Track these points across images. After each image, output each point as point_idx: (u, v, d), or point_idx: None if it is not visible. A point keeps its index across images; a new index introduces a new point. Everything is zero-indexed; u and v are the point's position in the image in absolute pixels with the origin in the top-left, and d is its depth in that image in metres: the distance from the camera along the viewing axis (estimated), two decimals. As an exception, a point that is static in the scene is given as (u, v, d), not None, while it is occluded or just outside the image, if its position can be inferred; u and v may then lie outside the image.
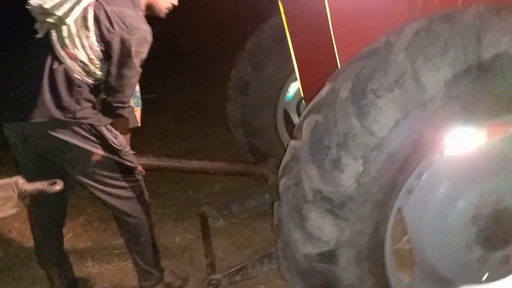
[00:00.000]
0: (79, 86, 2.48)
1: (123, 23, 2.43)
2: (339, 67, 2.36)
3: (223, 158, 4.29)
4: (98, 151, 2.54)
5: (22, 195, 2.31)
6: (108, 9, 2.44)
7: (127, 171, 2.68)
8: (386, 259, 1.99)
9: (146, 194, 2.80)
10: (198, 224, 3.70)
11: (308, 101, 3.40)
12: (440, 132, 1.88)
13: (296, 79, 3.78)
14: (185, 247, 3.57)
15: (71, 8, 2.40)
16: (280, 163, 3.22)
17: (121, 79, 2.50)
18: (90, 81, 2.51)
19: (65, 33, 2.42)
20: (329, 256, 1.89)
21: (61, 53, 2.44)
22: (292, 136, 2.76)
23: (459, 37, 1.78)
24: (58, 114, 2.45)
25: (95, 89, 2.56)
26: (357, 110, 1.79)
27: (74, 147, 2.50)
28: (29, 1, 2.44)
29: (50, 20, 2.42)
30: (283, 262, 2.04)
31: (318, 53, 3.25)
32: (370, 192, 1.82)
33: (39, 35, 2.50)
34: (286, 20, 3.23)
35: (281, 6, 3.18)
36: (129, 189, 2.70)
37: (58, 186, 2.34)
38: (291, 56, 3.49)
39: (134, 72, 2.53)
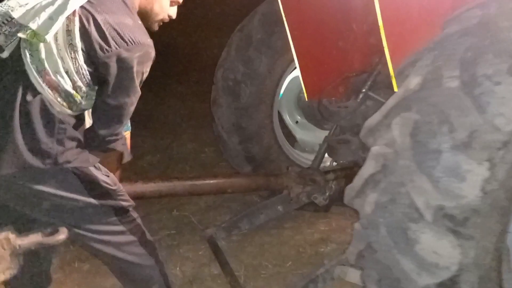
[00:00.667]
0: (62, 123, 1.86)
1: (121, 37, 1.83)
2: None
3: (218, 174, 3.78)
4: (88, 199, 1.96)
5: (16, 253, 1.78)
6: (100, 18, 1.82)
7: (122, 212, 2.10)
8: (504, 276, 1.67)
9: (147, 233, 2.24)
10: (196, 249, 3.30)
11: (311, 95, 3.05)
12: None
13: (290, 73, 3.43)
14: (192, 278, 3.07)
15: (50, 19, 1.75)
16: (302, 171, 2.88)
17: (119, 108, 1.93)
18: (74, 113, 1.91)
19: (43, 53, 1.78)
20: (450, 285, 1.53)
21: (38, 80, 1.80)
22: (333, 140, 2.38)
23: None
24: (35, 162, 1.82)
25: (79, 122, 1.97)
26: (473, 101, 1.45)
27: (58, 199, 1.90)
28: None
29: (21, 35, 1.77)
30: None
31: (320, 43, 2.93)
32: (498, 200, 1.48)
33: (4, 55, 1.83)
34: (283, 11, 2.85)
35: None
36: (128, 233, 2.12)
37: (62, 235, 1.80)
38: (285, 48, 3.12)
39: (134, 98, 1.96)
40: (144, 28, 1.98)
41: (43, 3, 1.80)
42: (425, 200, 1.46)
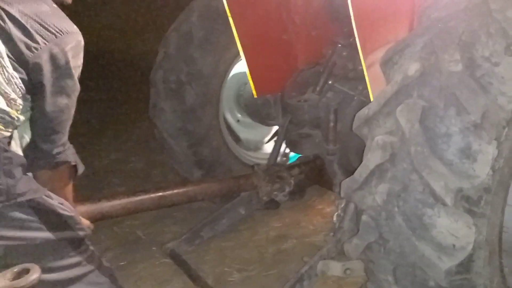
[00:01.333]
0: (5, 150, 1.56)
1: (46, 29, 1.57)
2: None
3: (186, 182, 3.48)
4: (46, 233, 1.68)
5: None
6: (13, 11, 1.53)
7: (79, 242, 1.84)
8: (504, 247, 1.75)
9: (103, 259, 2.00)
10: (151, 265, 3.09)
11: (260, 91, 2.99)
12: None
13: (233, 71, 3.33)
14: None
15: None
16: (268, 169, 2.80)
17: (60, 112, 1.67)
18: (10, 133, 1.61)
19: None
20: (466, 264, 1.56)
21: None
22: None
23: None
24: None
25: (19, 143, 1.68)
26: (476, 83, 1.49)
27: (12, 241, 1.61)
28: None
29: None
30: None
31: (267, 39, 2.88)
32: (503, 177, 1.54)
33: None
34: (228, 6, 2.74)
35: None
36: (85, 263, 1.85)
37: (35, 274, 1.53)
38: (228, 44, 3.02)
39: (74, 97, 1.71)
40: (62, 11, 1.71)
41: None
42: (444, 184, 1.47)
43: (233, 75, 3.41)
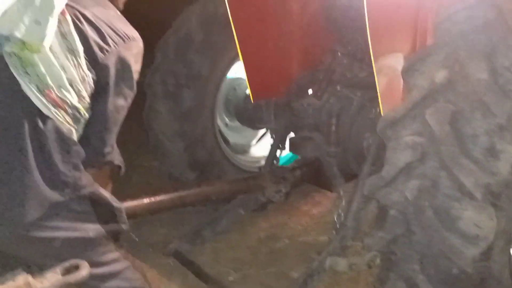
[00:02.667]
0: (75, 144, 1.60)
1: (116, 33, 1.63)
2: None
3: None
4: (97, 226, 1.71)
5: (40, 299, 1.49)
6: (89, 14, 1.59)
7: (119, 236, 1.91)
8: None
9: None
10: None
11: (258, 96, 3.09)
12: None
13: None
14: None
15: (37, 23, 1.42)
16: (272, 171, 2.90)
17: (117, 113, 1.72)
18: (76, 129, 1.65)
19: (41, 67, 1.46)
20: (487, 252, 1.74)
21: (43, 101, 1.49)
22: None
23: None
24: (55, 196, 1.54)
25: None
26: (500, 90, 1.67)
27: (70, 232, 1.64)
28: None
29: (7, 49, 1.42)
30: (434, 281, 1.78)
31: (267, 44, 2.99)
32: (519, 173, 1.74)
33: None
34: (230, 12, 2.83)
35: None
36: (121, 258, 1.88)
37: (84, 269, 1.57)
38: (225, 49, 3.11)
39: (130, 100, 1.77)
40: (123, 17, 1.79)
41: (18, 4, 1.48)
42: (474, 180, 1.63)
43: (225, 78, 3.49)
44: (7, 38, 1.41)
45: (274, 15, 2.97)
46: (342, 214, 2.64)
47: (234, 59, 3.19)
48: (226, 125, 3.76)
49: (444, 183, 1.70)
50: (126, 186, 4.24)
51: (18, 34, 1.41)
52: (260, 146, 3.86)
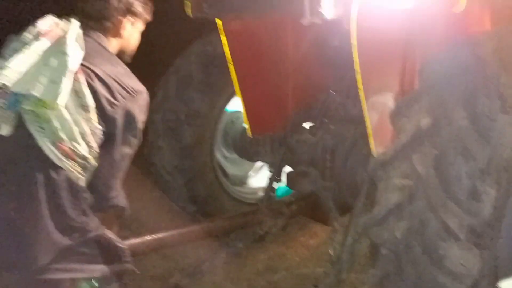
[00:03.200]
0: (84, 191, 1.75)
1: (124, 88, 1.80)
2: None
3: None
4: (102, 267, 1.85)
5: None
6: (100, 72, 1.76)
7: (123, 275, 2.02)
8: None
9: None
10: None
11: (255, 131, 3.21)
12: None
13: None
14: None
15: (53, 83, 1.59)
16: (270, 205, 3.00)
17: (123, 161, 1.88)
18: (85, 177, 1.79)
19: (55, 122, 1.62)
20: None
21: (56, 153, 1.64)
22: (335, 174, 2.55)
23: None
24: (65, 241, 1.68)
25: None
26: (480, 135, 1.79)
27: (78, 273, 1.79)
28: None
29: (26, 106, 1.58)
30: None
31: (264, 82, 3.13)
32: (501, 214, 1.84)
33: (3, 131, 1.61)
34: (230, 50, 2.97)
35: (223, 38, 2.92)
36: None
37: None
38: (223, 86, 3.25)
39: (135, 148, 1.93)
40: (131, 71, 1.95)
41: (37, 66, 1.63)
42: (458, 222, 1.74)
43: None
44: (26, 97, 1.54)
45: (271, 54, 3.11)
46: (338, 248, 2.73)
47: (232, 95, 3.33)
48: (225, 157, 3.88)
49: (431, 224, 1.80)
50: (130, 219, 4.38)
51: (36, 93, 1.55)
52: (258, 178, 3.96)
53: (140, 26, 2.05)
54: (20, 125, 1.60)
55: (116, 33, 1.95)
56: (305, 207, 2.99)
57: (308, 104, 3.13)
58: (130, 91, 1.79)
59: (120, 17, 1.94)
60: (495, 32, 2.08)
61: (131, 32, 2.01)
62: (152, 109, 3.31)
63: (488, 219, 1.78)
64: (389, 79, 2.36)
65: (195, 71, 3.24)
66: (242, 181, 3.94)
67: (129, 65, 2.00)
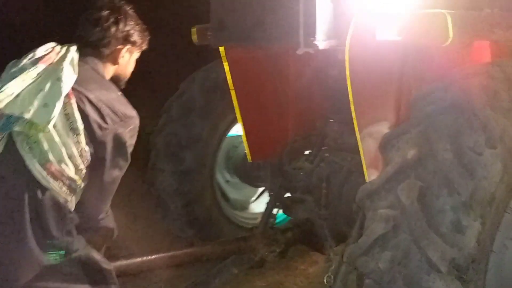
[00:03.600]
0: (70, 212, 1.80)
1: (114, 113, 1.87)
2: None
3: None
4: (87, 287, 1.87)
5: None
6: (92, 97, 1.83)
7: None
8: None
9: None
10: None
11: (255, 157, 3.25)
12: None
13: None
14: None
15: (45, 106, 1.66)
16: (264, 231, 3.01)
17: (112, 184, 1.94)
18: (72, 198, 1.84)
19: (45, 144, 1.68)
20: (458, 322, 1.81)
21: (43, 174, 1.70)
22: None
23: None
24: (47, 260, 1.73)
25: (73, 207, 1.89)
26: (465, 169, 1.80)
27: None
28: None
29: (17, 128, 1.64)
30: None
31: (264, 109, 3.18)
32: (486, 248, 1.83)
33: None
34: (231, 77, 3.04)
35: (225, 65, 2.99)
36: None
37: None
38: (224, 113, 3.31)
39: (124, 170, 1.99)
40: (124, 98, 2.02)
41: (30, 88, 1.71)
42: (440, 254, 1.74)
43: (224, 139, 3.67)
44: (17, 119, 1.60)
45: (272, 81, 3.17)
46: (332, 277, 2.72)
47: (234, 121, 3.39)
48: (227, 181, 3.91)
49: (415, 256, 1.80)
50: (129, 237, 4.42)
51: (27, 116, 1.62)
52: (260, 203, 3.98)
53: (136, 54, 2.13)
54: (10, 145, 1.67)
55: (113, 60, 2.03)
56: (300, 234, 2.99)
57: (307, 131, 3.16)
58: (120, 115, 1.86)
59: (118, 46, 2.02)
60: (485, 67, 2.11)
61: (128, 60, 2.09)
62: (156, 131, 3.43)
63: (472, 252, 1.77)
64: (383, 110, 2.39)
65: (197, 97, 3.31)
66: (243, 206, 3.96)
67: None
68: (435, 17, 1.94)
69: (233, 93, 3.06)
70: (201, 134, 3.30)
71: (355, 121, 2.36)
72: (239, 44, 2.82)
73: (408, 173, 1.89)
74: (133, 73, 2.23)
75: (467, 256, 1.76)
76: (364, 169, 2.38)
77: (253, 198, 4.01)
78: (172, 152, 3.30)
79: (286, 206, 3.09)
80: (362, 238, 1.96)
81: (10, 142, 1.67)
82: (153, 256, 2.31)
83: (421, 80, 2.18)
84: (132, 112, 1.94)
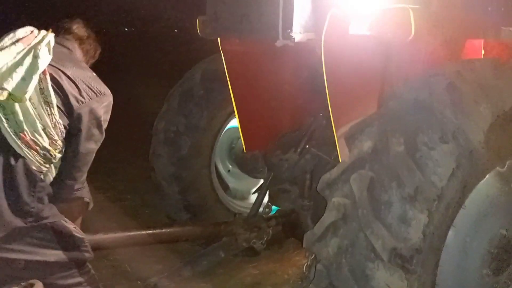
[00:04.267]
0: (41, 181, 1.96)
1: (90, 89, 2.03)
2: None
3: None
4: (58, 252, 2.03)
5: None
6: (69, 73, 2.00)
7: (82, 264, 2.18)
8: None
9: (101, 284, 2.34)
10: None
11: (250, 147, 3.34)
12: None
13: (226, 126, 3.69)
14: None
15: (23, 80, 1.83)
16: (247, 218, 3.11)
17: (88, 155, 2.09)
18: (48, 168, 2.01)
19: (20, 115, 1.86)
20: (400, 313, 1.85)
21: (17, 143, 1.87)
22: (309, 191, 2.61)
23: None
24: (18, 222, 1.88)
25: (47, 177, 2.07)
26: (415, 163, 1.83)
27: (33, 255, 1.97)
28: None
29: None
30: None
31: (259, 102, 3.26)
32: (434, 242, 1.86)
33: None
34: (227, 71, 3.14)
35: (223, 57, 3.10)
36: (85, 284, 2.19)
37: None
38: (223, 103, 3.41)
39: (99, 144, 2.15)
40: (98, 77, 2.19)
41: (9, 64, 1.88)
42: (382, 243, 1.78)
43: (227, 129, 3.79)
44: None
45: (265, 73, 3.25)
46: (310, 265, 2.78)
47: (231, 114, 3.49)
48: (229, 171, 4.03)
49: (361, 244, 1.85)
50: (136, 220, 4.61)
51: (8, 87, 1.79)
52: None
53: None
54: None
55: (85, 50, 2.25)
56: (285, 223, 3.06)
57: (298, 125, 3.23)
58: (96, 91, 2.02)
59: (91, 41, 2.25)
60: (456, 65, 2.11)
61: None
62: (157, 118, 3.58)
63: (417, 244, 1.81)
64: (358, 102, 2.43)
65: (196, 87, 3.44)
66: (243, 195, 4.07)
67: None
68: (400, 12, 1.97)
69: (229, 84, 3.17)
70: (199, 123, 3.43)
71: (331, 113, 2.42)
72: (231, 35, 2.92)
73: (363, 164, 1.94)
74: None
75: (411, 246, 1.80)
76: (340, 160, 2.44)
77: (254, 189, 4.10)
78: (171, 139, 3.44)
79: (272, 195, 3.17)
80: (317, 225, 2.03)
81: None
82: (131, 232, 2.45)
83: (391, 75, 2.21)
84: (106, 90, 2.11)
